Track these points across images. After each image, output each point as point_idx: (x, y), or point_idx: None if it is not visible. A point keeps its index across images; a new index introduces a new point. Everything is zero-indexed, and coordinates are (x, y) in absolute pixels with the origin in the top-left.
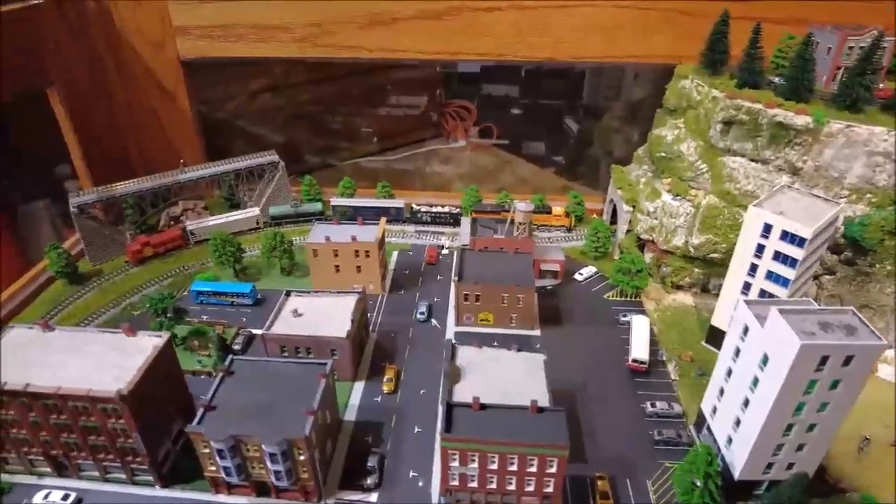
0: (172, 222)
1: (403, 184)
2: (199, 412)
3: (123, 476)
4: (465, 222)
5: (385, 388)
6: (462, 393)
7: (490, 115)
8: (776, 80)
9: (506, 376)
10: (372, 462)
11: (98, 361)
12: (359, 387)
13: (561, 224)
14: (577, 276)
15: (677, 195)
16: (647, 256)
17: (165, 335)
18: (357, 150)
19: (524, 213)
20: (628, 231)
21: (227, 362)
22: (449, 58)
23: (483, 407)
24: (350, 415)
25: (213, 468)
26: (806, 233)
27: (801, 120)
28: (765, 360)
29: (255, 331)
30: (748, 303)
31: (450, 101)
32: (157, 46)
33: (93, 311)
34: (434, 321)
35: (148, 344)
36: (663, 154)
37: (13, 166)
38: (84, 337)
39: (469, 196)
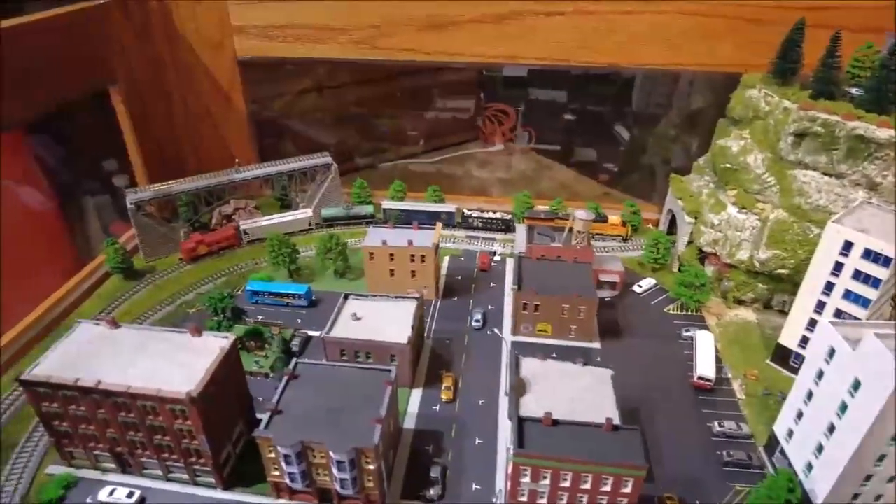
0: (225, 221)
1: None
2: (266, 416)
3: (186, 476)
4: (521, 229)
5: (443, 397)
6: (528, 406)
7: (531, 119)
8: (853, 90)
9: (572, 391)
10: (435, 473)
11: (165, 361)
12: (416, 394)
13: (617, 233)
14: (636, 288)
15: (743, 208)
16: (709, 270)
17: (231, 336)
18: (394, 152)
19: (584, 222)
20: (689, 243)
21: (291, 365)
22: (507, 61)
23: (555, 423)
24: (409, 423)
25: (277, 473)
26: (893, 252)
27: (885, 133)
28: (856, 385)
29: (311, 332)
30: (833, 324)
31: (489, 105)
32: (215, 46)
33: (148, 308)
34: (494, 329)
35: (214, 345)
36: (728, 165)
37: (71, 162)
38: (150, 335)
39: (520, 202)
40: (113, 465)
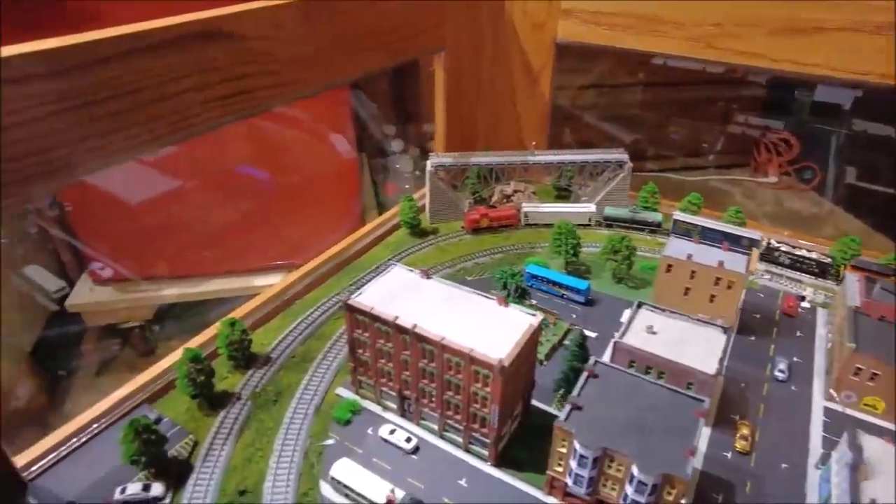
0: (505, 199)
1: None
2: (566, 408)
3: (459, 440)
4: (852, 279)
5: (737, 446)
6: (871, 495)
7: (829, 154)
8: None
9: None
10: None
11: (473, 322)
12: (705, 433)
13: None
14: None
15: None
16: None
17: (539, 316)
18: (659, 161)
19: None
20: None
21: (591, 362)
22: (875, 80)
23: None
24: (695, 462)
25: (560, 469)
26: None
27: None
28: None
29: (587, 332)
30: None
31: (770, 131)
32: (537, 27)
33: (429, 266)
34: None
35: (520, 319)
36: None
37: (374, 120)
38: (459, 294)
39: (844, 246)
40: (394, 406)
